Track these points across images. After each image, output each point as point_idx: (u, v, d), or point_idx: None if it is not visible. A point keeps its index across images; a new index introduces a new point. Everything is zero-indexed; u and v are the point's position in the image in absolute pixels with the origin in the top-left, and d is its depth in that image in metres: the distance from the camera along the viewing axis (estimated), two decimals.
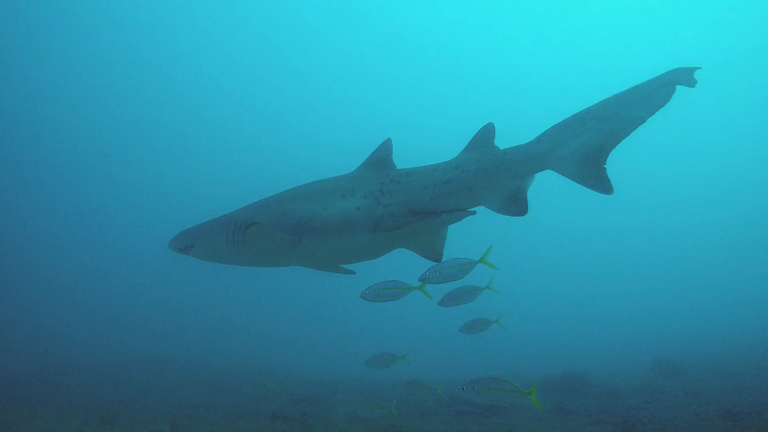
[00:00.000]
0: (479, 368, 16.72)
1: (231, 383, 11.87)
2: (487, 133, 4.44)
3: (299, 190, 4.51)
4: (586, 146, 4.15)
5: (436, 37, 52.75)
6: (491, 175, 4.23)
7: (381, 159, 4.55)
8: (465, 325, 6.59)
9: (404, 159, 4.78)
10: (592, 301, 35.73)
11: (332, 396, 10.71)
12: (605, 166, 4.13)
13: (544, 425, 8.05)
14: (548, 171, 4.31)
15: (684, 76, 4.10)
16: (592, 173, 4.13)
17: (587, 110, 4.20)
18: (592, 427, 7.55)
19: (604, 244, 47.39)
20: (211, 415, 8.35)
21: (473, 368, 16.63)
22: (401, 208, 4.20)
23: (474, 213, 4.37)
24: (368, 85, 53.71)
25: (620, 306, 32.76)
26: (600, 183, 4.10)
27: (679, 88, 4.10)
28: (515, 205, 4.28)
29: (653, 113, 4.09)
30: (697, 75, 4.11)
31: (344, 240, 4.23)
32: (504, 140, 4.49)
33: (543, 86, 51.38)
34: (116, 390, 10.04)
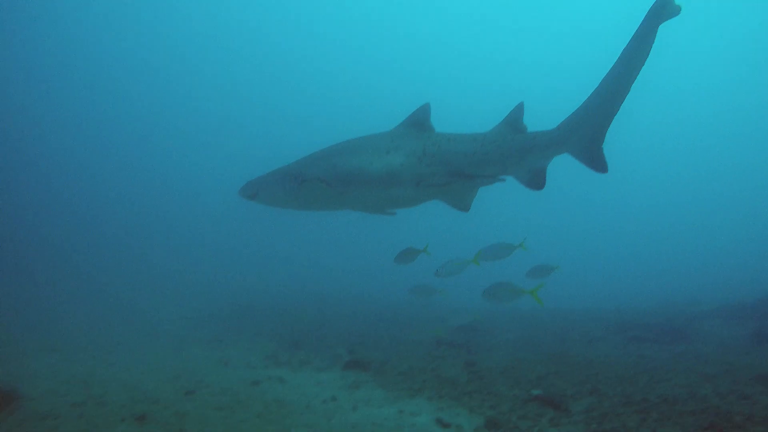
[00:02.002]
0: (659, 298, 15.56)
1: (394, 316, 12.70)
2: (518, 112, 4.99)
3: (346, 145, 5.06)
4: (590, 130, 4.69)
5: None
6: (522, 155, 4.87)
7: (420, 121, 5.05)
8: (529, 271, 7.40)
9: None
10: None
11: (493, 325, 10.83)
12: (602, 146, 4.70)
13: (738, 352, 7.16)
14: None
15: (663, 10, 4.21)
16: (593, 155, 4.73)
17: (591, 95, 4.67)
18: None
19: None
20: (380, 342, 9.06)
21: (654, 297, 15.55)
22: (442, 168, 4.77)
23: (504, 180, 4.94)
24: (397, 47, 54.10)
25: None
26: (598, 163, 4.73)
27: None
28: (537, 180, 4.89)
29: (636, 75, 4.40)
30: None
31: (388, 191, 4.81)
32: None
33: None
34: (298, 322, 11.44)
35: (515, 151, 4.84)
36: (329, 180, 4.73)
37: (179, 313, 12.23)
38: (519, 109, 5.01)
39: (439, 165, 4.78)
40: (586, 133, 4.73)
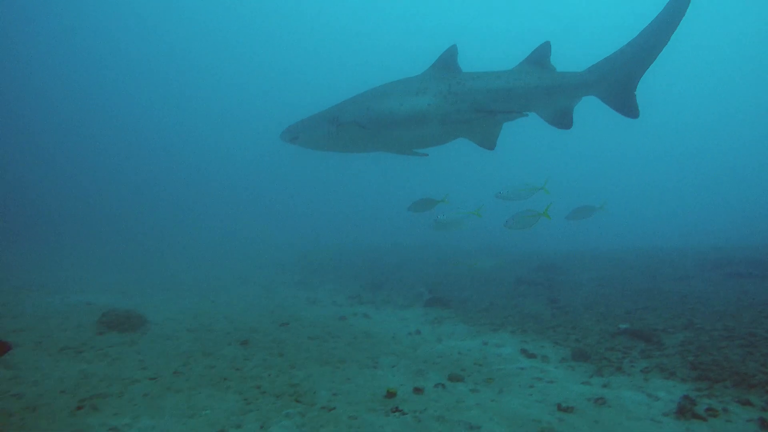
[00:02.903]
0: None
1: (467, 260, 12.72)
2: (544, 51, 5.07)
3: (378, 90, 5.34)
4: (623, 76, 4.83)
5: None
6: (550, 93, 4.96)
7: (447, 62, 5.23)
8: (571, 212, 7.29)
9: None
10: None
11: (573, 265, 10.55)
12: (635, 92, 4.78)
13: None
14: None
15: None
16: (624, 101, 4.82)
17: (629, 42, 4.79)
18: None
19: None
20: (458, 282, 9.16)
21: (758, 235, 14.40)
22: (466, 105, 4.95)
23: (527, 116, 5.01)
24: None
25: None
26: (629, 109, 4.82)
27: None
28: (564, 119, 5.00)
29: (673, 32, 4.55)
30: None
31: (417, 130, 5.07)
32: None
33: None
34: (377, 267, 11.83)
35: (542, 89, 4.97)
36: (363, 122, 5.08)
37: (265, 261, 13.12)
38: (545, 48, 5.09)
39: (463, 102, 5.00)
40: (619, 79, 4.83)
